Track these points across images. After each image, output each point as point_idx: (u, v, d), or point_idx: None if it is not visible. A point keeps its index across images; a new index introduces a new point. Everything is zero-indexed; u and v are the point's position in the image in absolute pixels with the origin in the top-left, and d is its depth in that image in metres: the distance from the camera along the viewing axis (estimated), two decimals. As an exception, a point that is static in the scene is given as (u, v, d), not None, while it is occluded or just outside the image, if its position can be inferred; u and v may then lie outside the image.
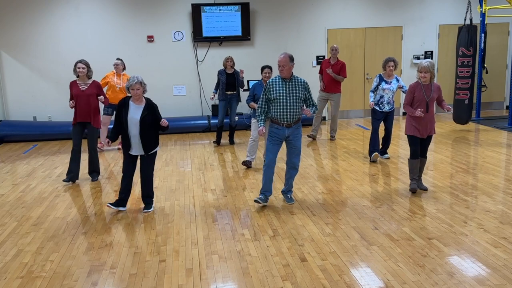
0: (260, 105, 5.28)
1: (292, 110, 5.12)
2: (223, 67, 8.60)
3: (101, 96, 6.47)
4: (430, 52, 11.17)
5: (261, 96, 5.26)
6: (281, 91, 5.12)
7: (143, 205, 5.44)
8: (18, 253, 4.31)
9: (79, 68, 6.34)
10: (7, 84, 9.88)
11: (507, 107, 11.67)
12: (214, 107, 10.22)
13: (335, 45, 8.66)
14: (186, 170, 7.01)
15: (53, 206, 5.59)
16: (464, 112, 9.32)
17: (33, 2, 9.66)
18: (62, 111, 10.07)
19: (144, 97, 5.12)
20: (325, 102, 8.90)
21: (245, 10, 10.11)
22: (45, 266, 4.04)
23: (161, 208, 5.41)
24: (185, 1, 10.10)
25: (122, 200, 5.31)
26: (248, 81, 9.88)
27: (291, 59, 5.10)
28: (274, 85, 5.15)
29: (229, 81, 8.49)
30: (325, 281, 3.63)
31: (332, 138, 8.92)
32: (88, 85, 6.41)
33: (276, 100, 5.13)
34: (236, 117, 10.00)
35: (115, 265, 4.02)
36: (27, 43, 9.78)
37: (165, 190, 6.08)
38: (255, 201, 5.29)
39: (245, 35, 10.26)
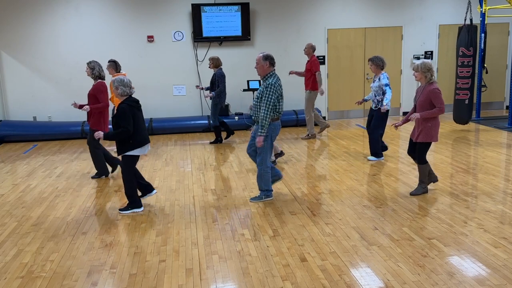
0: None
1: (255, 110, 5.26)
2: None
3: (74, 102, 6.50)
4: (430, 52, 11.17)
5: None
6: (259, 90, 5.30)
7: (144, 205, 5.46)
8: (18, 253, 4.31)
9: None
10: (7, 84, 9.89)
11: (507, 107, 11.67)
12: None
13: (308, 43, 8.61)
14: (186, 170, 7.01)
15: (53, 206, 5.59)
16: (464, 112, 9.32)
17: (33, 2, 9.66)
18: (62, 111, 10.07)
19: (125, 99, 4.97)
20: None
21: (245, 10, 10.11)
22: (45, 266, 4.04)
23: (161, 208, 5.40)
24: (185, 1, 10.10)
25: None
26: (248, 81, 9.87)
27: (265, 58, 5.12)
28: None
29: (211, 80, 8.52)
30: (325, 281, 3.63)
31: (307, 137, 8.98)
32: (92, 86, 6.49)
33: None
34: (236, 117, 10.01)
35: (115, 265, 4.02)
36: (27, 43, 9.78)
37: (165, 190, 6.08)
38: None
39: (245, 35, 10.25)
